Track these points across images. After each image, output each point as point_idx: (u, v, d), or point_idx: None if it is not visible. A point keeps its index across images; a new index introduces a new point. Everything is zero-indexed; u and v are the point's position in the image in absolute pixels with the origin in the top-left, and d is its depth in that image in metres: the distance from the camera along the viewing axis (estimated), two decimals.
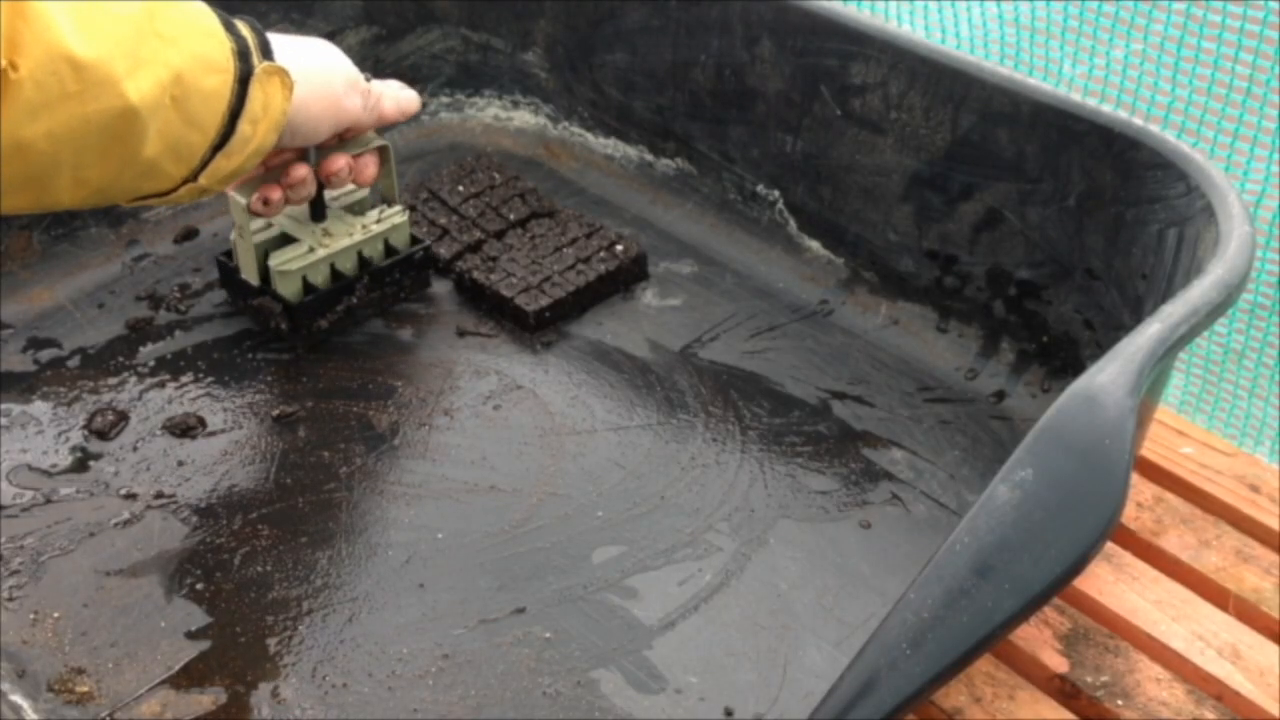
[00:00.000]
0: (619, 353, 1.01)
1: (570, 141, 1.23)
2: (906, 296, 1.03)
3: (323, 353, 1.00)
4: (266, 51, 0.80)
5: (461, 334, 1.02)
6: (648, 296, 1.07)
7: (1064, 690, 0.75)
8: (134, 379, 0.97)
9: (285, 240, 0.99)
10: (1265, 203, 1.36)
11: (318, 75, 0.87)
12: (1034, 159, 0.93)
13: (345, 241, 0.99)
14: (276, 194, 0.91)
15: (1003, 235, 0.97)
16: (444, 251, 1.08)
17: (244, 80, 0.77)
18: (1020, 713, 0.73)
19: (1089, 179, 0.90)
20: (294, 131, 0.85)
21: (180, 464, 0.90)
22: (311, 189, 0.93)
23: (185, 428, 0.93)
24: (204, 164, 0.77)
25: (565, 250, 1.07)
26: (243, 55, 0.77)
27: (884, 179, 1.02)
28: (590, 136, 1.22)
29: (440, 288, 1.07)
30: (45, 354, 0.99)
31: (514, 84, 1.25)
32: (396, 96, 0.96)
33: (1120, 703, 0.73)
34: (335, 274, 1.00)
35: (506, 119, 1.26)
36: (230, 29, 0.77)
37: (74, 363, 0.98)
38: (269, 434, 0.93)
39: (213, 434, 0.93)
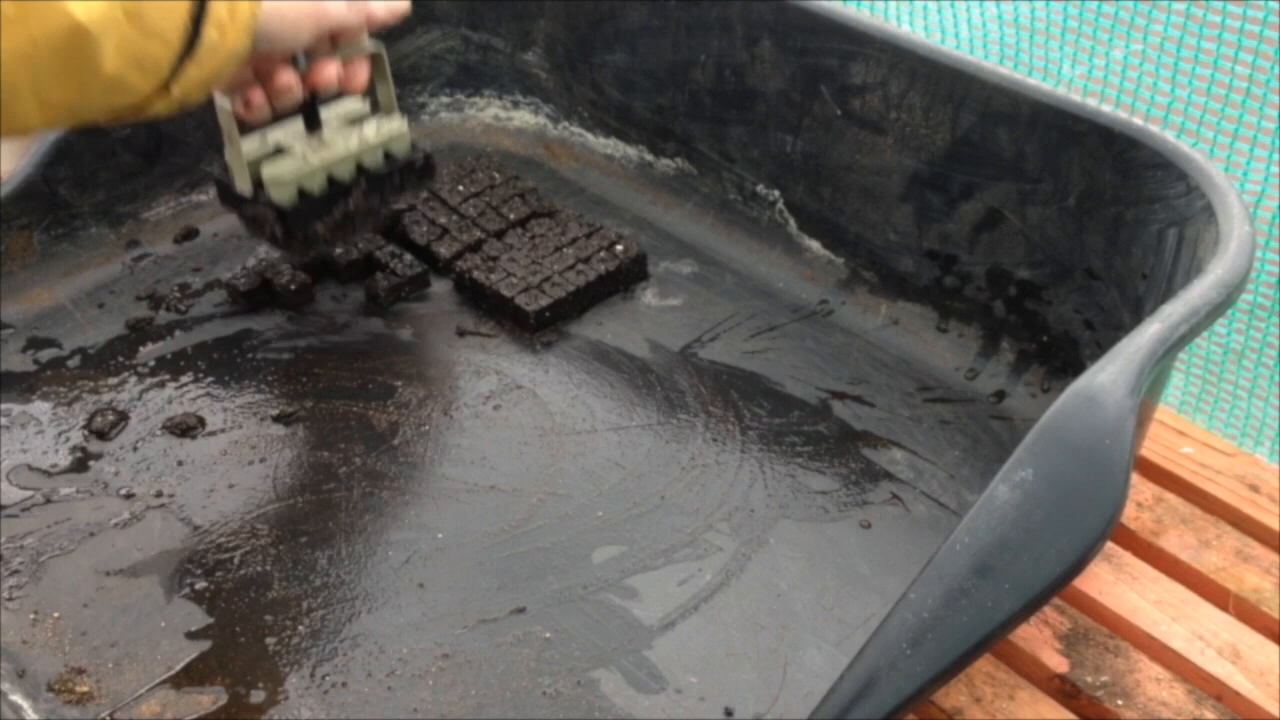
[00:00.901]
0: (619, 353, 1.01)
1: (570, 141, 1.23)
2: (906, 296, 1.03)
3: (322, 352, 1.00)
4: None
5: (461, 334, 1.02)
6: (648, 296, 1.07)
7: (1064, 690, 0.75)
8: (134, 379, 0.97)
9: (280, 152, 0.97)
10: (1265, 203, 1.36)
11: None
12: (1034, 159, 0.93)
13: (340, 151, 0.97)
14: (259, 97, 0.89)
15: (1003, 235, 0.97)
16: (444, 251, 1.08)
17: None
18: (1020, 712, 0.73)
19: (1089, 179, 0.90)
20: (271, 36, 0.82)
21: (180, 464, 0.90)
22: (297, 95, 0.90)
23: (185, 428, 0.93)
24: (173, 74, 0.75)
25: (565, 250, 1.07)
26: None
27: (884, 179, 1.02)
28: (590, 136, 1.22)
29: (440, 287, 1.07)
30: (45, 354, 0.99)
31: (514, 84, 1.25)
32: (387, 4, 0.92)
33: (1120, 703, 0.73)
34: (332, 184, 0.97)
35: (506, 119, 1.26)
36: None
37: (74, 363, 0.98)
38: (269, 434, 0.93)
39: (213, 434, 0.93)
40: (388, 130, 0.99)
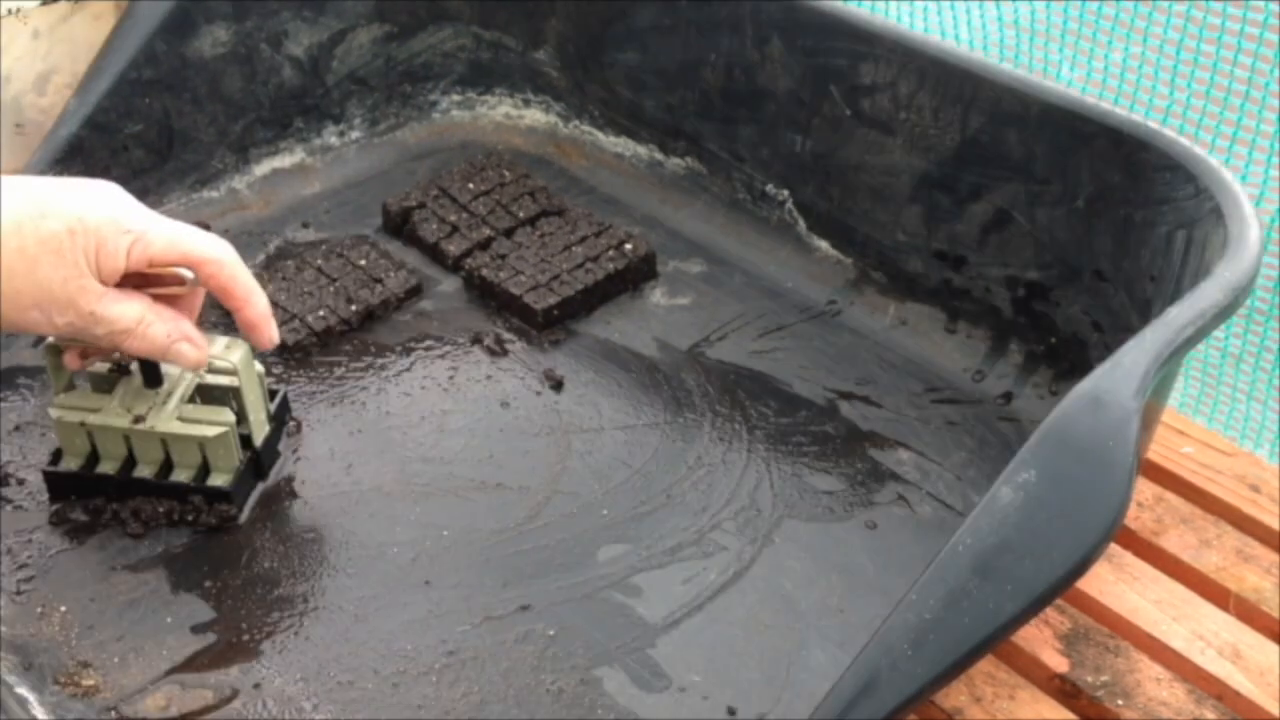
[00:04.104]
0: (627, 351, 1.01)
1: (580, 140, 1.24)
2: (915, 297, 1.03)
3: (329, 348, 1.00)
4: None
5: (469, 331, 1.02)
6: (656, 295, 1.07)
7: (1064, 690, 0.75)
8: None
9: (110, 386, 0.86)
10: (1264, 205, 1.35)
11: (9, 244, 0.72)
12: (1043, 160, 0.93)
13: (122, 421, 0.84)
14: (73, 358, 0.83)
15: (1011, 236, 0.97)
16: (453, 249, 1.08)
17: None
18: (1020, 712, 0.73)
19: (1098, 180, 0.90)
20: None
21: None
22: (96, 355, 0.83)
23: None
24: None
25: (574, 248, 1.08)
26: None
27: (893, 179, 1.02)
28: (600, 135, 1.22)
29: (449, 285, 1.07)
30: None
31: (525, 82, 1.25)
32: (158, 343, 0.79)
33: (1120, 702, 0.73)
34: (132, 460, 0.86)
35: (517, 117, 1.26)
36: None
37: None
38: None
39: None
40: (201, 427, 0.84)
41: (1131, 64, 1.44)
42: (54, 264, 0.73)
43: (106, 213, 0.75)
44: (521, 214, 1.11)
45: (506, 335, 1.02)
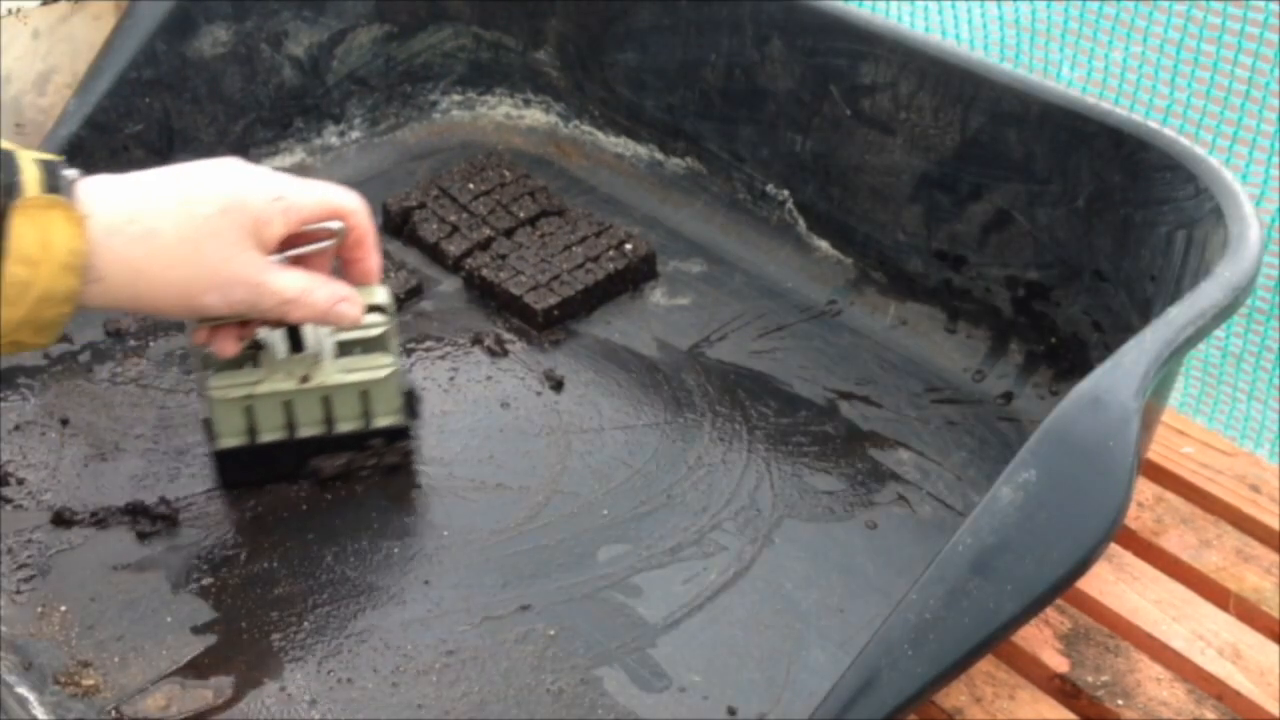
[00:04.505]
0: (627, 351, 1.01)
1: (581, 140, 1.24)
2: (915, 297, 1.03)
3: None
4: (56, 187, 0.69)
5: (469, 331, 1.02)
6: (656, 295, 1.07)
7: (1064, 690, 0.75)
8: (144, 374, 0.97)
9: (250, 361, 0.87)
10: (1264, 205, 1.35)
11: (168, 236, 0.73)
12: (1043, 160, 0.93)
13: (289, 384, 0.85)
14: (232, 346, 0.82)
15: (1011, 236, 0.97)
16: (453, 249, 1.08)
17: (3, 215, 0.67)
18: (1020, 712, 0.73)
19: (1098, 180, 0.90)
20: (117, 288, 0.72)
21: (187, 459, 0.90)
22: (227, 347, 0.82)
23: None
24: None
25: (574, 248, 1.08)
26: (8, 190, 0.67)
27: (893, 179, 1.02)
28: (601, 135, 1.22)
29: (449, 285, 1.07)
30: (56, 348, 0.99)
31: (525, 82, 1.25)
32: (319, 308, 0.80)
33: (1120, 702, 0.73)
34: (290, 429, 0.87)
35: (518, 117, 1.26)
36: (4, 164, 0.68)
37: (84, 358, 0.99)
38: None
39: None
40: (367, 372, 0.87)
41: (1132, 63, 1.44)
42: (216, 246, 0.74)
43: (248, 184, 0.77)
44: (522, 214, 1.11)
45: (506, 335, 1.02)
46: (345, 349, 0.87)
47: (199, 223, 0.74)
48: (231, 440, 0.87)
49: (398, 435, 0.89)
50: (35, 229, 0.68)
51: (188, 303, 0.75)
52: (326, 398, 0.86)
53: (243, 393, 0.85)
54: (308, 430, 0.88)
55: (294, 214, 0.78)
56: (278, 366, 0.86)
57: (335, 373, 0.86)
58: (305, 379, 0.85)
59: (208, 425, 0.87)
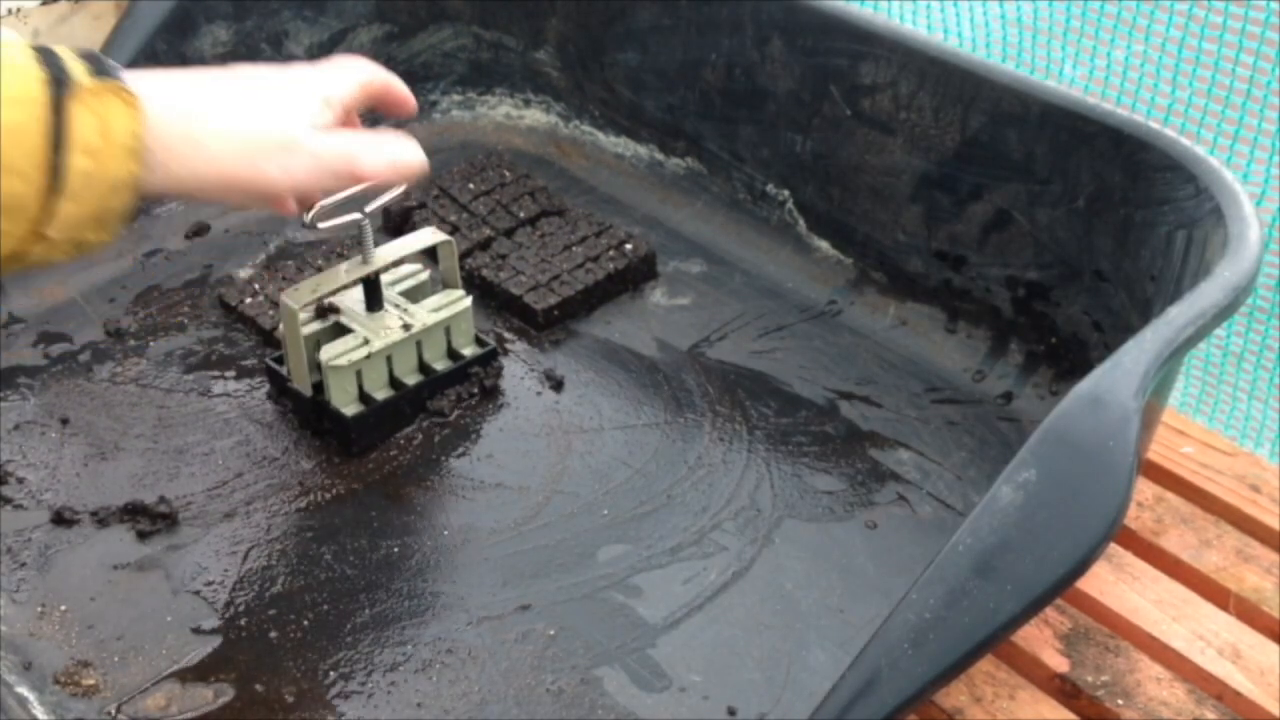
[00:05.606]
0: (627, 351, 1.01)
1: (581, 140, 1.24)
2: (915, 297, 1.03)
3: None
4: (105, 71, 0.67)
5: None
6: (656, 295, 1.07)
7: (1064, 690, 0.75)
8: (143, 374, 0.97)
9: (339, 332, 0.91)
10: (1265, 204, 1.35)
11: (221, 106, 0.72)
12: (1043, 160, 0.93)
13: (398, 335, 0.91)
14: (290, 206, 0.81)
15: (1012, 236, 0.97)
16: None
17: (60, 107, 0.64)
18: (1020, 712, 0.73)
19: (1098, 180, 0.90)
20: (179, 168, 0.70)
21: (186, 459, 0.90)
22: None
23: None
24: (46, 213, 0.65)
25: (574, 248, 1.08)
26: (58, 82, 0.64)
27: (893, 179, 1.02)
28: (601, 135, 1.22)
29: None
30: (56, 348, 0.99)
31: (525, 82, 1.25)
32: (385, 153, 0.79)
33: (1121, 702, 0.73)
34: (393, 379, 0.92)
35: (518, 117, 1.26)
36: (47, 60, 0.65)
37: (84, 357, 0.99)
38: (275, 430, 0.93)
39: (221, 430, 0.93)
40: (450, 308, 0.94)
41: (1133, 62, 1.44)
42: (271, 114, 0.74)
43: (288, 72, 0.77)
44: (522, 214, 1.11)
45: (507, 335, 1.02)
46: (410, 297, 0.94)
47: (251, 92, 0.74)
48: (351, 407, 0.90)
49: (490, 357, 0.96)
50: (93, 116, 0.65)
51: (250, 174, 0.72)
52: (419, 341, 0.92)
53: (361, 355, 0.89)
54: (410, 378, 0.93)
55: (335, 100, 0.77)
56: (372, 326, 0.91)
57: (429, 314, 0.93)
58: (407, 327, 0.91)
59: (308, 405, 0.91)
